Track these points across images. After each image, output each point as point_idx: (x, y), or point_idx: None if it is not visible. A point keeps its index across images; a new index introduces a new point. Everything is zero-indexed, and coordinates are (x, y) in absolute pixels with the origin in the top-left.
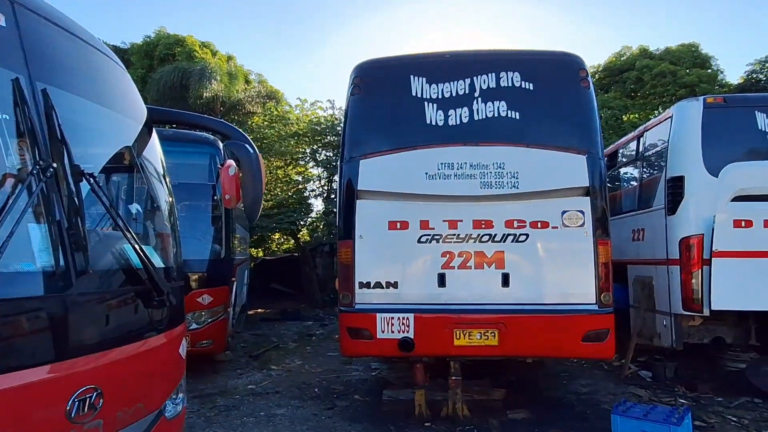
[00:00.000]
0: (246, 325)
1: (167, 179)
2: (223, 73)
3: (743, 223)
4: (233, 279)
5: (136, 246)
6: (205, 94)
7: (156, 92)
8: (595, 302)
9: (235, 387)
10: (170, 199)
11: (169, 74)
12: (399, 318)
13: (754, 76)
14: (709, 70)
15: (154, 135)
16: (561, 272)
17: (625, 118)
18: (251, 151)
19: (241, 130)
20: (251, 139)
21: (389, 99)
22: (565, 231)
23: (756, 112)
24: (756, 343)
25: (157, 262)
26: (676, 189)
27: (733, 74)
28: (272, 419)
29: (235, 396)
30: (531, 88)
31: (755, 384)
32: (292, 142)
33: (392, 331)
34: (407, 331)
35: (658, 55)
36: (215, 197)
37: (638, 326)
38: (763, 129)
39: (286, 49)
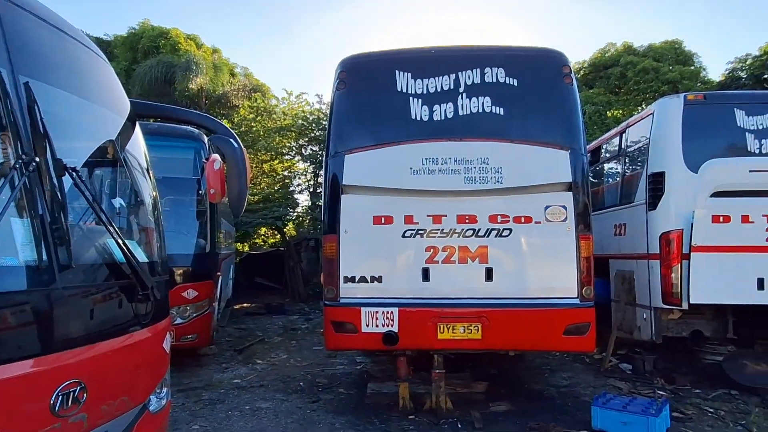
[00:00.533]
0: (231, 319)
1: (151, 173)
2: (209, 66)
3: (722, 219)
4: (218, 273)
5: (120, 240)
6: (190, 87)
7: (140, 85)
8: (576, 296)
9: (220, 381)
10: (154, 193)
11: (154, 67)
12: (383, 312)
13: (735, 73)
14: (692, 67)
15: (138, 129)
16: (543, 267)
17: (609, 113)
18: (236, 145)
19: (226, 124)
20: (237, 133)
21: (374, 94)
22: (548, 226)
23: (735, 109)
24: (733, 336)
25: (141, 256)
26: (656, 185)
27: (715, 71)
28: (257, 413)
29: (220, 390)
30: (515, 83)
31: (732, 376)
32: (277, 137)
33: (377, 325)
34: (391, 325)
35: (641, 52)
36: (200, 192)
37: (619, 320)
38: (742, 126)
39: (271, 42)
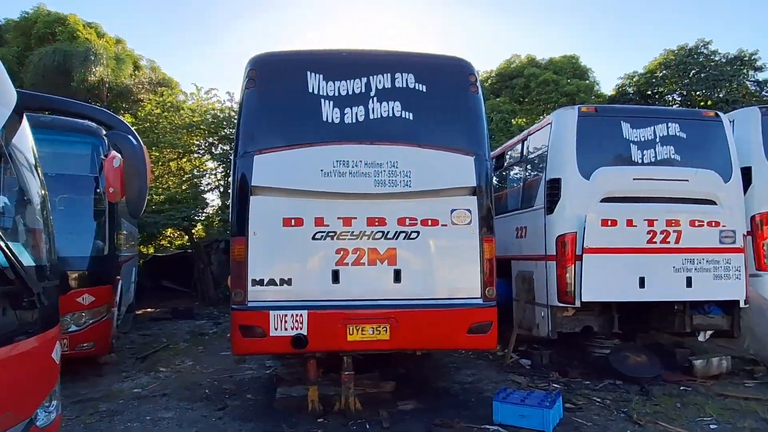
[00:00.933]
0: (134, 325)
1: (39, 170)
2: (110, 57)
3: (610, 222)
4: (118, 277)
5: (2, 243)
6: (89, 78)
7: (34, 74)
8: (480, 296)
9: (120, 390)
10: (43, 191)
11: (49, 55)
12: (292, 315)
13: (624, 88)
14: (587, 81)
15: (26, 122)
16: (449, 268)
17: (513, 121)
18: (135, 142)
19: (129, 119)
20: (141, 129)
21: (285, 94)
22: (454, 229)
23: (621, 122)
24: (618, 330)
25: (27, 260)
26: (553, 190)
27: (607, 86)
28: (158, 423)
29: (119, 400)
30: (424, 90)
31: (617, 368)
32: (185, 134)
33: (285, 328)
34: (301, 328)
35: (543, 65)
36: (98, 190)
37: (519, 318)
38: (627, 137)
39: (183, 37)
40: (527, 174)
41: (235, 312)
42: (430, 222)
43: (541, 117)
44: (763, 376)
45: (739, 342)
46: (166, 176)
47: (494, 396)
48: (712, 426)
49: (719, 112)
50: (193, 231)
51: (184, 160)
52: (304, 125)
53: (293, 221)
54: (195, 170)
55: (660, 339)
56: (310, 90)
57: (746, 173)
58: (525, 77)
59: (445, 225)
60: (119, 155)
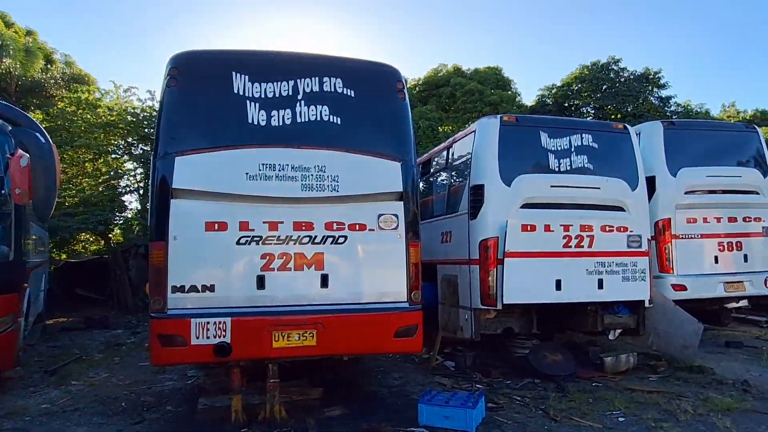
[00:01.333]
0: (43, 336)
1: None
2: (19, 49)
3: (529, 228)
4: (26, 285)
5: None
6: None
7: None
8: (406, 300)
9: (26, 407)
10: None
11: None
12: (215, 322)
13: (543, 100)
14: (509, 92)
15: None
16: (376, 272)
17: (440, 129)
18: (43, 140)
19: (37, 116)
20: (54, 126)
21: (209, 94)
22: (381, 233)
23: (540, 131)
24: (537, 331)
25: None
26: (477, 196)
27: (528, 97)
28: None
29: (25, 417)
30: (352, 95)
31: (535, 367)
32: (102, 134)
33: (208, 337)
34: (224, 336)
35: (469, 75)
36: (3, 191)
37: (444, 321)
38: (546, 147)
39: (105, 33)
40: (452, 180)
41: (153, 320)
42: (357, 227)
43: (467, 125)
44: (664, 371)
45: (644, 339)
46: (80, 177)
47: (420, 398)
48: (620, 419)
49: (627, 125)
50: (110, 235)
51: (101, 161)
52: (228, 127)
53: (216, 225)
54: (112, 171)
55: (575, 338)
56: (236, 91)
57: (650, 182)
58: (451, 86)
59: (372, 230)
60: (26, 154)
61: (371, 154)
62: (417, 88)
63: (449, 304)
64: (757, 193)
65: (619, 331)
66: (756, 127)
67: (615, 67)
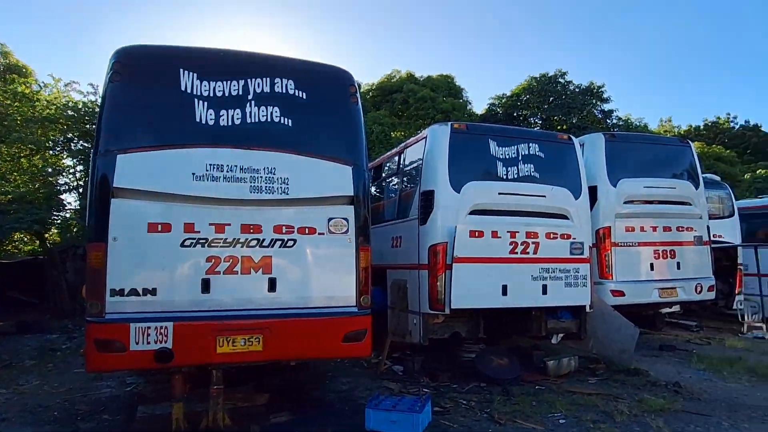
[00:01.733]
0: None
1: None
2: None
3: (477, 234)
4: None
5: None
6: None
7: None
8: (355, 305)
9: None
10: None
11: None
12: (156, 327)
13: (493, 109)
14: (461, 100)
15: None
16: (325, 277)
17: (393, 134)
18: None
19: None
20: None
21: (154, 90)
22: (331, 237)
23: (489, 139)
24: (484, 335)
25: None
26: (427, 202)
27: (479, 106)
28: None
29: None
30: (304, 97)
31: (481, 370)
32: (39, 129)
33: (148, 342)
34: (165, 341)
35: (421, 81)
36: None
37: (394, 325)
38: (494, 154)
39: (47, 24)
40: (403, 185)
41: (90, 325)
42: (307, 230)
43: (419, 131)
44: (603, 374)
45: (585, 343)
46: (15, 174)
47: (367, 403)
48: (561, 420)
49: (572, 136)
50: (46, 235)
51: (38, 156)
52: (175, 125)
53: (160, 227)
54: (50, 168)
55: (520, 342)
56: (183, 88)
57: (592, 191)
58: (404, 92)
59: (322, 233)
60: None
61: (322, 157)
62: (370, 93)
63: (399, 309)
64: (690, 204)
65: (561, 335)
66: (689, 141)
67: (562, 80)
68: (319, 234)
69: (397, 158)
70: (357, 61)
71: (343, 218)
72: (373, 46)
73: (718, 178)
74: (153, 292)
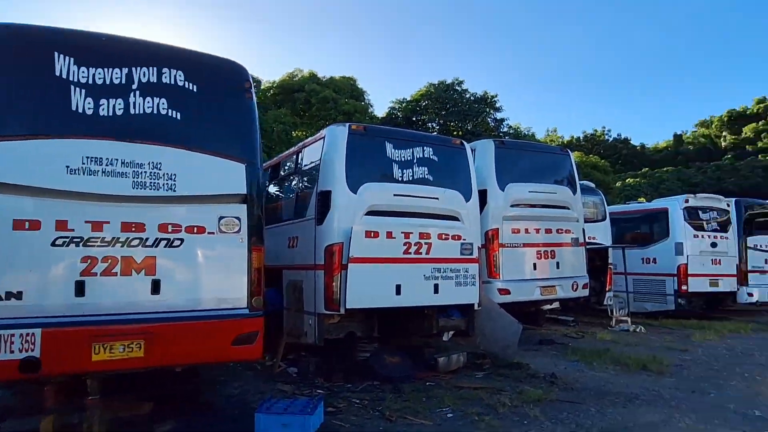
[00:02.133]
0: None
1: None
2: None
3: (372, 234)
4: None
5: None
6: None
7: None
8: (246, 306)
9: None
10: None
11: None
12: (22, 334)
13: (394, 112)
14: (363, 103)
15: None
16: (215, 278)
17: (294, 134)
18: None
19: None
20: None
21: (24, 74)
22: (222, 237)
23: (386, 142)
24: (378, 335)
25: None
26: (324, 202)
27: (380, 109)
28: None
29: None
30: (194, 90)
31: (375, 369)
32: None
33: (12, 351)
34: (32, 350)
35: (324, 82)
36: None
37: (290, 326)
38: (390, 157)
39: None
40: (301, 185)
41: None
42: (195, 229)
43: None
44: (488, 368)
45: (474, 340)
46: None
47: (258, 407)
48: (449, 415)
49: (464, 141)
50: None
51: None
52: (47, 113)
53: (27, 224)
54: None
55: (413, 341)
56: (58, 73)
57: (482, 195)
58: (306, 92)
59: (212, 233)
60: None
61: (214, 153)
62: (272, 91)
63: (294, 310)
64: (568, 208)
65: (452, 332)
66: (569, 151)
67: (458, 88)
68: (209, 233)
69: (294, 158)
70: (258, 59)
71: (235, 217)
72: (275, 44)
73: (593, 185)
74: (18, 295)
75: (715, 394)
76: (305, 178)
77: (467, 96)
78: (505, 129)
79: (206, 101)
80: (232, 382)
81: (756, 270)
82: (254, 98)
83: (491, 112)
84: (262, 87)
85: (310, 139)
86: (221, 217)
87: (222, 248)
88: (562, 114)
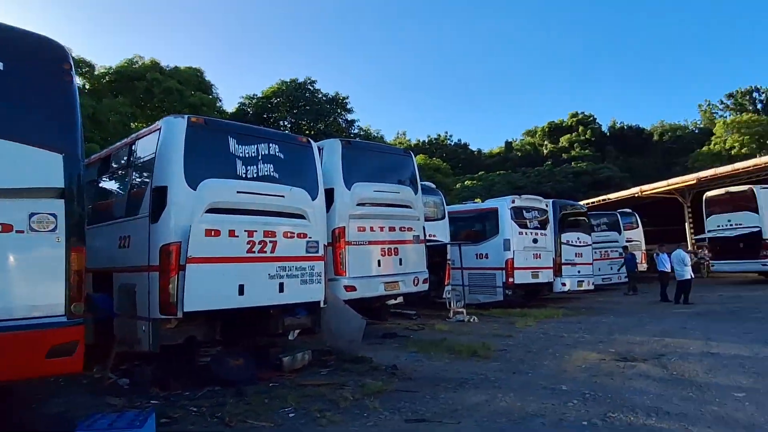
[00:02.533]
0: None
1: None
2: None
3: (213, 233)
4: None
5: None
6: None
7: None
8: (63, 314)
9: None
10: None
11: None
12: None
13: (244, 108)
14: (210, 96)
15: None
16: (24, 283)
17: (133, 125)
18: None
19: None
20: None
21: None
22: (33, 236)
23: (229, 137)
24: (220, 338)
25: None
26: (159, 198)
27: (230, 104)
28: None
29: None
30: (1, 68)
31: (216, 373)
32: None
33: None
34: None
35: (168, 72)
36: None
37: (122, 334)
38: (234, 152)
39: None
40: (133, 180)
41: None
42: (1, 227)
43: None
44: (333, 364)
45: (320, 337)
46: None
47: (77, 426)
48: (290, 414)
49: (311, 140)
50: None
51: None
52: None
53: None
54: None
55: (259, 341)
56: None
57: (329, 193)
58: (148, 81)
59: (22, 231)
60: None
61: (24, 141)
62: (107, 78)
63: (127, 316)
64: (410, 207)
65: (298, 331)
66: (411, 153)
67: (311, 87)
68: (18, 232)
69: (127, 150)
70: (90, 41)
71: (50, 214)
72: (113, 27)
73: (433, 186)
74: None
75: (532, 373)
76: (139, 173)
77: (319, 96)
78: (356, 130)
79: (16, 82)
80: (53, 399)
81: (568, 263)
82: (75, 82)
83: (342, 113)
84: (96, 73)
85: (144, 130)
86: (32, 214)
87: (33, 249)
88: (411, 118)
